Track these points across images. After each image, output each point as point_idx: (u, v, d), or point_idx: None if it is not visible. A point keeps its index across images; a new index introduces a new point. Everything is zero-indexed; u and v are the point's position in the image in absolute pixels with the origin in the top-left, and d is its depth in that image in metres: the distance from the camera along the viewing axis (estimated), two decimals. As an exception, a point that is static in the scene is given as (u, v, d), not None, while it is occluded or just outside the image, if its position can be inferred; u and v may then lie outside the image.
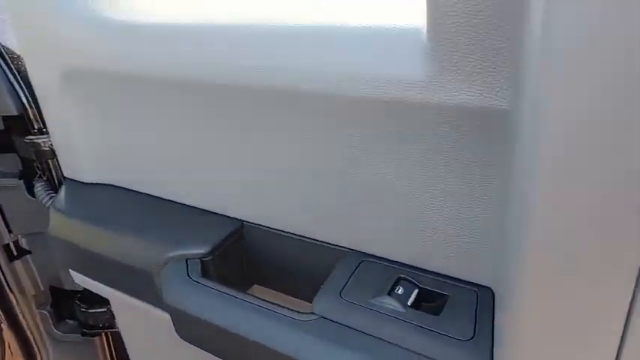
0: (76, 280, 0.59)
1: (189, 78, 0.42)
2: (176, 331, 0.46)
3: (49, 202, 0.70)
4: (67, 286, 0.83)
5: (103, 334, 0.89)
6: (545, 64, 0.21)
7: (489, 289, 0.38)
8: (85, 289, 0.84)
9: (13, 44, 0.65)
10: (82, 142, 0.55)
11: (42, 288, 0.86)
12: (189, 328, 0.44)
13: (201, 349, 0.44)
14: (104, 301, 0.83)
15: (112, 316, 0.84)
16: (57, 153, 0.58)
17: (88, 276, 0.56)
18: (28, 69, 0.55)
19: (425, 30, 0.30)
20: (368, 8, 0.37)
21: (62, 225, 0.56)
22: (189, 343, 0.45)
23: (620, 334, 0.24)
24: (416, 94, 0.32)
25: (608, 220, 0.22)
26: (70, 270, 0.59)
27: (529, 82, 0.23)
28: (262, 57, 0.37)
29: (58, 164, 0.72)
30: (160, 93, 0.45)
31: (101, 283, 0.55)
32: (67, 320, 0.89)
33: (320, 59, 0.35)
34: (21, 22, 0.52)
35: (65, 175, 0.59)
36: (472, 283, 0.38)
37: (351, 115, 0.36)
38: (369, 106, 0.35)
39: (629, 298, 0.23)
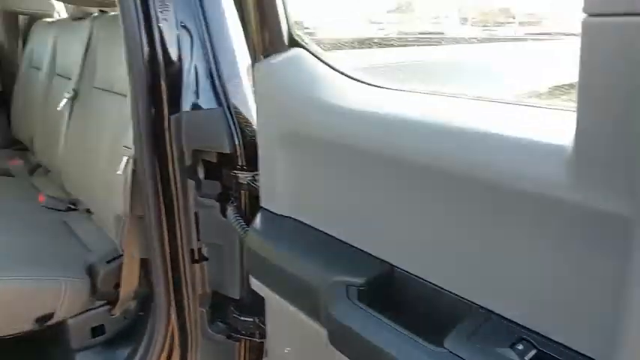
0: (253, 286, 0.76)
1: (391, 157, 0.57)
2: (330, 340, 0.59)
3: (236, 224, 0.90)
4: (227, 294, 1.02)
5: (243, 340, 1.05)
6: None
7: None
8: (240, 299, 1.02)
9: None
10: (282, 184, 0.73)
11: (207, 290, 1.06)
12: (341, 338, 0.57)
13: (348, 357, 0.56)
14: (254, 313, 1.00)
15: (256, 327, 1.01)
16: (260, 188, 0.77)
17: (265, 284, 0.73)
18: (257, 125, 0.76)
19: (573, 140, 0.41)
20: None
21: (254, 241, 0.74)
22: (339, 351, 0.57)
23: None
24: (559, 193, 0.43)
25: None
26: (251, 277, 0.76)
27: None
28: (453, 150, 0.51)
29: (248, 196, 0.93)
30: (358, 161, 0.61)
31: (272, 291, 0.71)
32: (219, 322, 1.07)
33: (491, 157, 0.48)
34: (263, 98, 0.74)
35: (262, 204, 0.77)
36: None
37: (499, 204, 0.48)
38: (515, 197, 0.46)
39: None
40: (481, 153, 0.49)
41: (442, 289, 0.56)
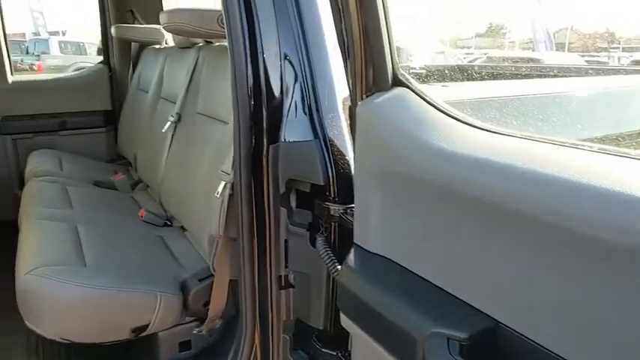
0: (342, 322, 0.75)
1: (499, 207, 0.54)
2: (426, 393, 0.56)
3: (325, 255, 0.90)
4: (311, 323, 1.02)
5: (323, 373, 1.04)
6: None
7: None
8: (323, 329, 1.01)
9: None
10: (377, 223, 0.72)
11: (292, 318, 1.07)
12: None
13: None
14: (336, 346, 0.99)
15: (337, 363, 0.99)
16: (355, 224, 0.77)
17: (355, 322, 0.72)
18: (355, 163, 0.76)
19: None
20: None
21: (348, 278, 0.73)
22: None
23: None
24: None
25: None
26: (341, 313, 0.75)
27: None
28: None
29: (338, 228, 0.93)
30: (462, 208, 0.59)
31: (362, 330, 0.70)
32: (300, 351, 1.08)
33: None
34: (363, 136, 0.74)
35: (355, 241, 0.77)
36: None
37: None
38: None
39: None
40: (604, 211, 0.45)
41: (554, 354, 0.51)
